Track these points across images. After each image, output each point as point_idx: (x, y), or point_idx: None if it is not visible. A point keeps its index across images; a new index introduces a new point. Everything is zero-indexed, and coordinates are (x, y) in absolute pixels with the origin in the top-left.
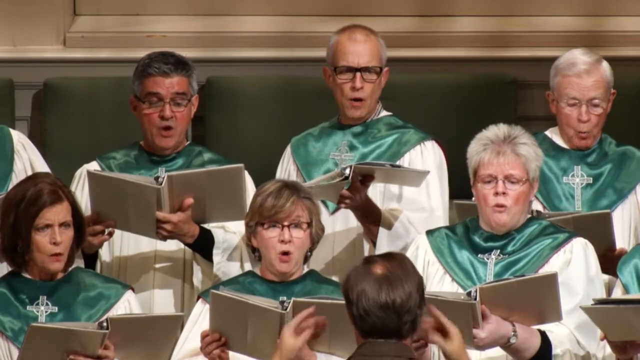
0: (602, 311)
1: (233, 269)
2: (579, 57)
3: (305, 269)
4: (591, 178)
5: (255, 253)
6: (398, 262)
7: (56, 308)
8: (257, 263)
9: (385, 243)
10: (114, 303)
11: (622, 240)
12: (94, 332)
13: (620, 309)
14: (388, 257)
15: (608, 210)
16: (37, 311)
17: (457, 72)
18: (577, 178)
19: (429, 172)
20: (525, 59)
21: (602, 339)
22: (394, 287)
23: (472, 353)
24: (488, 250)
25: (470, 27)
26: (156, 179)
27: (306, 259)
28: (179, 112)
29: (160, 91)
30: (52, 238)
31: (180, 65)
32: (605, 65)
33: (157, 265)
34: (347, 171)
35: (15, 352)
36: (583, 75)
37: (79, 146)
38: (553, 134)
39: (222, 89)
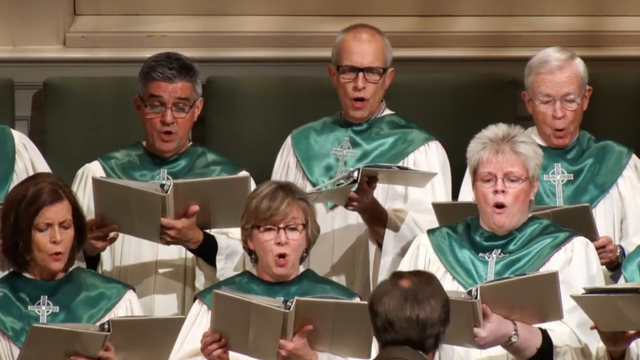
0: (593, 300)
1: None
2: (551, 54)
3: (302, 269)
4: (572, 174)
5: (252, 255)
6: (426, 278)
7: (57, 308)
8: (254, 264)
9: (392, 245)
10: (115, 303)
11: (607, 235)
12: (95, 334)
13: (611, 298)
14: (417, 273)
15: (587, 204)
16: (39, 311)
17: (457, 72)
18: (558, 175)
19: (435, 174)
20: (525, 59)
21: (592, 329)
22: (420, 301)
23: (473, 352)
24: (489, 249)
25: (470, 27)
26: (162, 186)
27: (302, 259)
28: (180, 118)
29: (162, 95)
30: (52, 237)
31: (184, 70)
32: (578, 61)
33: (158, 271)
34: (356, 174)
35: (17, 352)
36: (555, 72)
37: (79, 146)
38: (532, 134)
39: (222, 89)
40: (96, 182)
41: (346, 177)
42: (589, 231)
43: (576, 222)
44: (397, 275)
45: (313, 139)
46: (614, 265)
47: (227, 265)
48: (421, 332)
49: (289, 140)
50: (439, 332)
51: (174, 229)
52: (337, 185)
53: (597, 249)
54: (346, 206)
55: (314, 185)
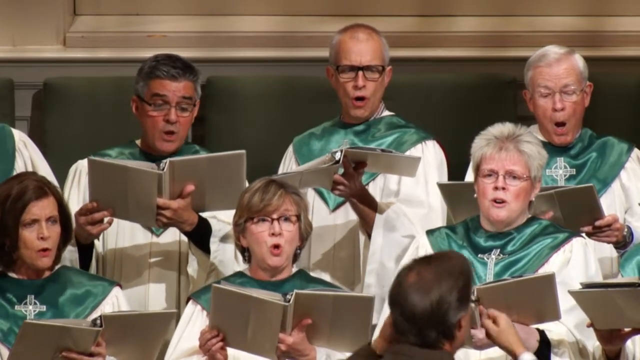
0: (590, 295)
1: (228, 256)
2: (550, 49)
3: (295, 269)
4: (574, 169)
5: (245, 253)
6: (434, 265)
7: (44, 307)
8: (247, 264)
9: (380, 234)
10: (101, 300)
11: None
12: (87, 330)
13: (608, 293)
14: (428, 260)
15: (591, 184)
16: (26, 310)
17: (457, 72)
18: (560, 170)
19: (419, 158)
20: (525, 59)
21: (588, 326)
22: (417, 299)
23: (473, 353)
24: (488, 250)
25: (470, 27)
26: (157, 165)
27: (295, 258)
28: (183, 118)
29: (167, 94)
30: (39, 233)
31: (187, 69)
32: (577, 56)
33: (153, 260)
34: (338, 155)
35: (6, 352)
36: (553, 64)
37: (79, 146)
38: (534, 131)
39: (222, 89)
40: (92, 163)
41: (330, 159)
42: (594, 211)
43: (581, 202)
44: (407, 268)
45: (314, 144)
46: (622, 244)
47: (219, 248)
48: (418, 333)
49: (290, 148)
50: (445, 326)
51: (170, 209)
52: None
53: (603, 227)
54: (332, 190)
55: (317, 192)
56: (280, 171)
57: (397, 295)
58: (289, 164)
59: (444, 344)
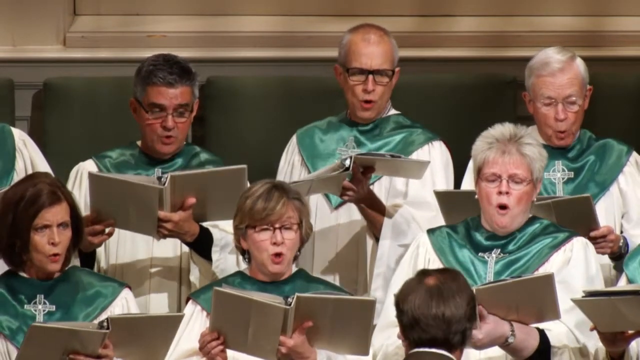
0: (593, 303)
1: (230, 265)
2: (552, 55)
3: (294, 269)
4: (572, 172)
5: (245, 255)
6: (451, 275)
7: (54, 307)
8: (247, 264)
9: (389, 238)
10: (111, 301)
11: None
12: (94, 332)
13: (611, 300)
14: (442, 270)
15: (588, 195)
16: (35, 310)
17: (457, 72)
18: (559, 173)
19: (429, 162)
20: (526, 59)
21: (592, 330)
22: (445, 298)
23: (472, 353)
24: (489, 249)
25: (470, 27)
26: (159, 179)
27: (295, 258)
28: (180, 123)
29: (164, 102)
30: (50, 238)
31: (184, 74)
32: (579, 62)
33: (153, 270)
34: (348, 162)
35: (13, 351)
36: (557, 74)
37: (79, 146)
38: (533, 132)
39: (222, 89)
40: (92, 177)
41: (339, 166)
42: (590, 221)
43: (577, 212)
44: (422, 273)
45: (318, 137)
46: (617, 255)
47: (221, 257)
48: (447, 329)
49: (294, 139)
50: (465, 329)
51: (171, 221)
52: (332, 173)
53: (597, 238)
54: (341, 196)
55: None
56: (281, 162)
57: (434, 297)
58: (291, 156)
59: (457, 350)
